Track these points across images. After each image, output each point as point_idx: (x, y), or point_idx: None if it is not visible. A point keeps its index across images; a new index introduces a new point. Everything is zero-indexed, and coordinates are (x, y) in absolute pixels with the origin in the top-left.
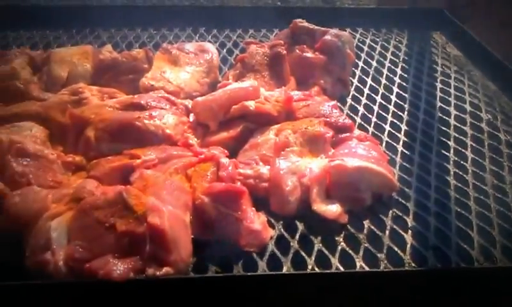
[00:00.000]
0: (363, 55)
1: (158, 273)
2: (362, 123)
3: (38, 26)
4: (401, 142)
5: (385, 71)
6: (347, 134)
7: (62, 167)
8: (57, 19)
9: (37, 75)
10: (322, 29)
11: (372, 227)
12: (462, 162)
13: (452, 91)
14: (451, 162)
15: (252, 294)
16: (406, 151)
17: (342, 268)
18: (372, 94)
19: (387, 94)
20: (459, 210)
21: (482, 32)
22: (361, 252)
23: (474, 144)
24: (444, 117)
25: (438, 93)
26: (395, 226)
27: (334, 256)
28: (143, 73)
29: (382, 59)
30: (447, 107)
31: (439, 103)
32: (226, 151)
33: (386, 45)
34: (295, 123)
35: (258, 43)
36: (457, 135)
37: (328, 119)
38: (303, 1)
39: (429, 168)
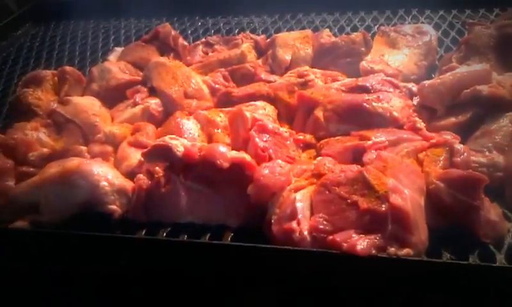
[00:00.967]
0: None
1: (399, 253)
2: None
3: (255, 12)
4: None
5: None
6: None
7: (293, 144)
8: (272, 4)
9: (261, 59)
10: None
11: None
12: None
13: None
14: None
15: (488, 286)
16: None
17: None
18: None
19: None
20: None
21: None
22: None
23: None
24: None
25: None
26: None
27: None
28: (359, 57)
29: None
30: None
31: None
32: (458, 136)
33: None
34: None
35: (483, 24)
36: None
37: None
38: None
39: None
